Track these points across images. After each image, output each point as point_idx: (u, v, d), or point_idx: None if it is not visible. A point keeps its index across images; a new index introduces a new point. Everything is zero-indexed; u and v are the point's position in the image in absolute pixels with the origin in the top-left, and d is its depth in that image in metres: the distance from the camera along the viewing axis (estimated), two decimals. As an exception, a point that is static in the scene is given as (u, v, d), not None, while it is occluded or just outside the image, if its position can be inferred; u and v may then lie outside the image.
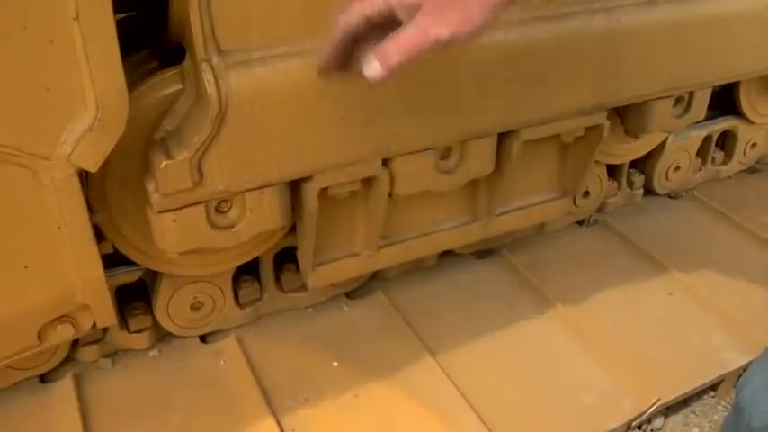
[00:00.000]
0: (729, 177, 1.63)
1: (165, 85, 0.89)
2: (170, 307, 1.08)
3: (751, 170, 1.66)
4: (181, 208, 0.89)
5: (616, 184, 1.46)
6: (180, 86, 0.89)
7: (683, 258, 1.35)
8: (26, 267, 0.85)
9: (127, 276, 1.04)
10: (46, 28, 0.73)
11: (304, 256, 1.06)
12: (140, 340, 1.10)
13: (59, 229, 0.84)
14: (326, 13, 0.81)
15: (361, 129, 0.94)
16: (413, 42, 0.69)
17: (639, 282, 1.30)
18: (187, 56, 0.88)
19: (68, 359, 1.07)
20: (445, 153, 1.05)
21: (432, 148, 1.02)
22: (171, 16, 0.85)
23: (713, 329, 1.21)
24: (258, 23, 0.85)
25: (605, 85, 1.12)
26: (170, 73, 0.89)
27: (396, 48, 0.69)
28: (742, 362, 1.15)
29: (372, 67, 0.71)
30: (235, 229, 0.95)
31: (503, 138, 1.09)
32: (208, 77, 0.83)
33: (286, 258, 1.16)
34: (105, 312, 0.94)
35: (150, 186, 0.88)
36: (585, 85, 1.10)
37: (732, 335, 1.19)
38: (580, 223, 1.45)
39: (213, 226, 0.93)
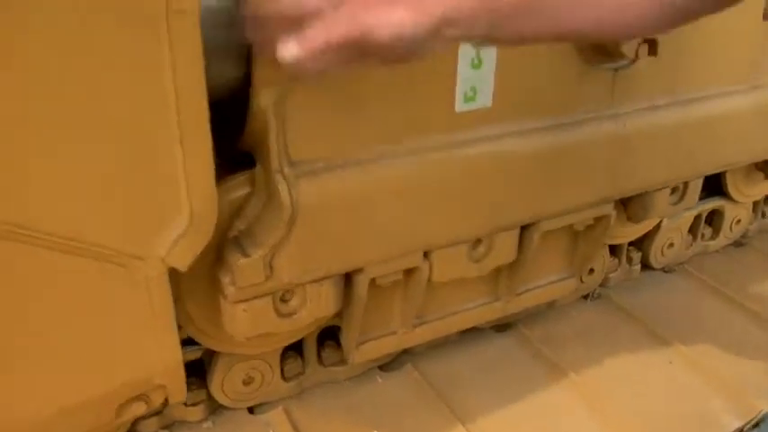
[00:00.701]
0: (717, 251, 1.77)
1: (237, 188, 1.01)
2: (225, 382, 1.19)
3: (736, 244, 1.81)
4: (251, 299, 1.01)
5: (617, 260, 1.59)
6: (249, 190, 1.01)
7: (680, 329, 1.48)
8: (114, 354, 0.95)
9: (191, 355, 1.14)
10: (152, 147, 0.85)
11: (349, 337, 1.17)
12: (195, 412, 1.20)
13: (147, 320, 0.95)
14: (376, 128, 0.96)
15: (409, 227, 1.07)
16: (341, 28, 0.70)
17: (642, 352, 1.43)
18: (258, 164, 1.00)
19: (130, 432, 1.16)
20: (475, 244, 1.18)
21: (465, 241, 1.15)
22: (246, 130, 0.98)
23: (711, 395, 1.33)
24: (322, 139, 0.97)
25: (613, 180, 1.27)
26: (241, 178, 1.01)
27: (322, 31, 0.70)
28: (738, 424, 1.27)
29: (289, 49, 0.72)
30: (296, 316, 1.06)
31: (524, 229, 1.22)
32: (282, 187, 0.95)
33: (326, 336, 1.27)
34: (178, 390, 1.04)
35: (225, 279, 0.99)
36: (596, 181, 1.24)
37: (728, 399, 1.31)
38: (585, 297, 1.57)
39: (278, 314, 1.04)
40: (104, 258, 0.89)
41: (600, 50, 1.16)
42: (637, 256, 1.62)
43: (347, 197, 1.00)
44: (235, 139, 1.01)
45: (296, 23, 0.75)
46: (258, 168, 1.00)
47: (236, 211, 1.01)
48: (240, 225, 1.01)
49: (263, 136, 0.95)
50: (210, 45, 0.83)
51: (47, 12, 0.72)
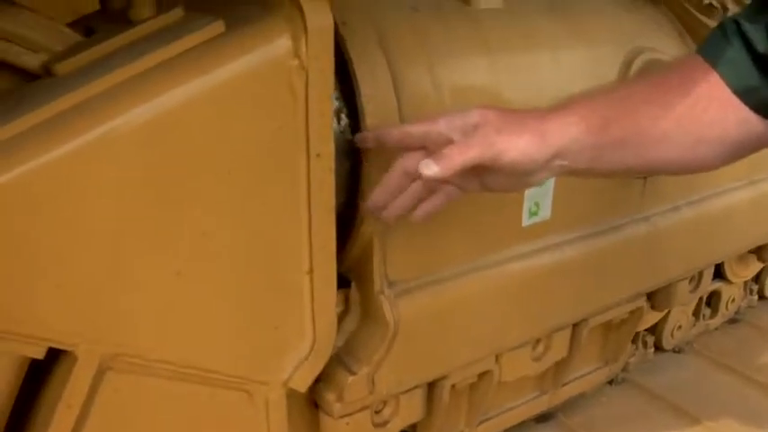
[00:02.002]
0: (716, 329, 1.91)
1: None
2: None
3: (731, 320, 1.95)
4: (354, 413, 1.06)
5: (634, 345, 1.70)
6: (343, 308, 1.08)
7: (702, 405, 1.59)
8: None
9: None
10: (283, 278, 0.91)
11: (427, 438, 1.24)
12: None
13: (264, 439, 1.00)
14: (459, 248, 1.05)
15: (486, 333, 1.15)
16: (475, 149, 0.80)
17: (670, 429, 1.53)
18: (353, 283, 1.07)
19: None
20: (535, 344, 1.27)
21: (530, 342, 1.24)
22: (346, 254, 1.05)
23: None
24: (416, 260, 1.06)
25: (646, 275, 1.39)
26: (337, 297, 1.08)
27: (458, 150, 0.80)
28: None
29: (430, 167, 0.80)
30: (389, 425, 1.12)
31: (575, 326, 1.32)
32: (386, 307, 1.02)
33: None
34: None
35: (331, 396, 1.04)
36: (633, 277, 1.36)
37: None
38: (610, 382, 1.67)
39: (374, 424, 1.10)
40: (229, 385, 0.94)
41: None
42: (650, 339, 1.74)
43: (437, 311, 1.08)
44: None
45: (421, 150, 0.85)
46: (353, 287, 1.07)
47: (332, 328, 1.07)
48: (338, 342, 1.07)
49: (365, 260, 1.02)
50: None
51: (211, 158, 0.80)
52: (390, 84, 0.96)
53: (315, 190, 0.87)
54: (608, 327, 1.44)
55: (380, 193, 0.89)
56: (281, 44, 0.80)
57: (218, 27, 0.81)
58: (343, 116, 0.97)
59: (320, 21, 0.80)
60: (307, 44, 0.80)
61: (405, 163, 0.86)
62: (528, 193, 1.14)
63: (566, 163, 0.86)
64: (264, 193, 0.85)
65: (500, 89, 1.09)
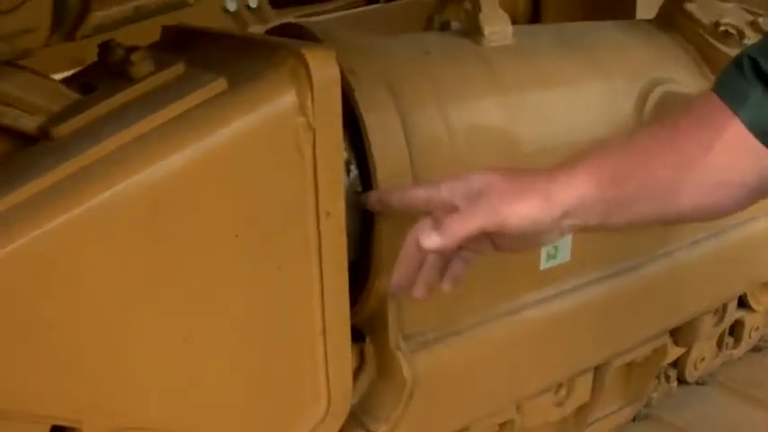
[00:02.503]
0: (740, 358, 1.85)
1: (347, 362, 1.03)
2: None
3: (755, 349, 1.89)
4: (375, 467, 1.02)
5: (656, 380, 1.65)
6: (358, 364, 1.04)
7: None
8: None
9: None
10: (295, 340, 0.87)
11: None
12: None
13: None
14: (477, 296, 1.01)
15: (506, 382, 1.11)
16: (478, 217, 0.77)
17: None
18: (367, 337, 1.03)
19: None
20: (557, 389, 1.23)
21: (551, 388, 1.20)
22: (360, 308, 1.01)
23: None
24: (432, 312, 1.02)
25: (669, 312, 1.34)
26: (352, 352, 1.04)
27: (461, 219, 0.77)
28: None
29: (431, 238, 0.77)
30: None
31: (597, 368, 1.28)
32: (403, 363, 0.98)
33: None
34: None
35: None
36: (656, 315, 1.31)
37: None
38: (633, 419, 1.62)
39: (394, 477, 1.06)
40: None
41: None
42: (673, 373, 1.69)
43: (456, 363, 1.04)
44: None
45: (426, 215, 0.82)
46: (368, 341, 1.03)
47: (346, 384, 1.03)
48: (353, 399, 1.03)
49: (379, 314, 0.99)
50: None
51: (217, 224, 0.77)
52: (401, 132, 0.92)
53: (326, 250, 0.83)
54: (631, 366, 1.39)
55: (400, 272, 0.85)
56: (285, 101, 0.77)
57: (220, 85, 0.78)
58: (352, 167, 0.93)
59: (326, 73, 0.77)
60: (313, 99, 0.77)
61: (415, 235, 0.82)
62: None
63: (577, 221, 0.82)
64: (274, 254, 0.82)
65: (514, 129, 1.05)
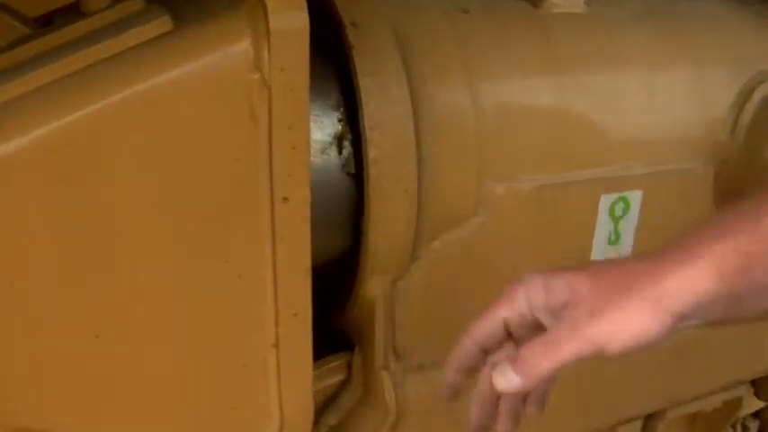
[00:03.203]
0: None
1: (331, 375, 0.87)
2: None
3: None
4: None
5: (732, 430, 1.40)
6: (344, 377, 0.87)
7: None
8: None
9: None
10: (241, 352, 0.71)
11: None
12: None
13: None
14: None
15: (529, 427, 0.91)
16: (567, 347, 0.58)
17: None
18: (357, 348, 0.86)
19: None
20: (595, 435, 1.02)
21: (586, 435, 0.99)
22: (347, 315, 0.84)
23: None
24: (437, 331, 0.83)
25: (751, 359, 1.10)
26: (336, 363, 0.87)
27: (544, 351, 0.58)
28: None
29: (507, 377, 0.59)
30: None
31: (647, 418, 1.05)
32: (387, 386, 0.81)
33: None
34: None
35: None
36: (733, 362, 1.08)
37: None
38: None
39: None
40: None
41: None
42: (753, 424, 1.43)
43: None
44: (331, 314, 0.87)
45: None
46: (356, 354, 0.86)
47: (328, 401, 0.87)
48: (331, 420, 0.87)
49: (367, 324, 0.81)
50: (315, 214, 0.71)
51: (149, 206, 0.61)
52: (408, 104, 0.73)
53: (282, 243, 0.66)
54: (694, 418, 1.15)
55: (476, 414, 0.66)
56: (236, 51, 0.60)
57: (162, 24, 0.62)
58: (346, 144, 0.75)
59: (289, 21, 0.59)
60: (270, 51, 0.59)
61: (488, 374, 0.62)
62: (597, 250, 0.89)
63: (694, 323, 0.61)
64: (216, 244, 0.65)
65: (565, 116, 0.85)
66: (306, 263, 0.68)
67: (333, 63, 0.75)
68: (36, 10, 0.76)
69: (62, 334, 0.64)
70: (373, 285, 0.78)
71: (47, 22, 0.75)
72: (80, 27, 0.67)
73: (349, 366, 0.87)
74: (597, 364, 0.91)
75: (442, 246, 0.80)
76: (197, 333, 0.68)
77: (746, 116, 0.95)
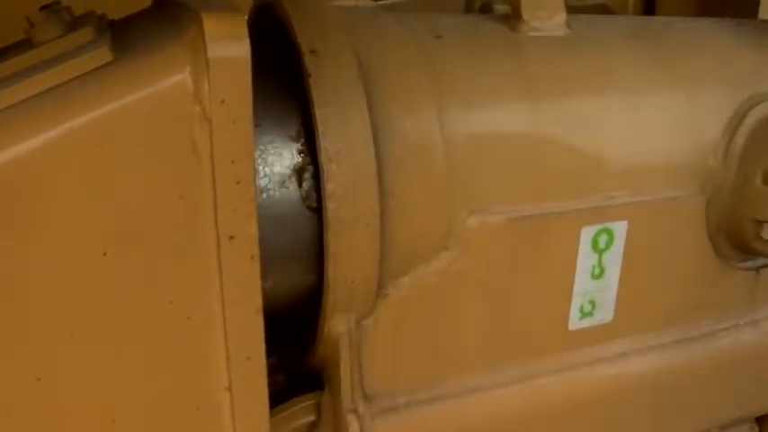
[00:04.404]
0: None
1: (300, 416, 0.83)
2: None
3: None
4: None
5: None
6: (314, 418, 0.83)
7: None
8: None
9: None
10: (194, 395, 0.68)
11: None
12: None
13: None
14: (473, 353, 0.77)
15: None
16: None
17: None
18: (326, 389, 0.82)
19: None
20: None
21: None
22: (313, 353, 0.80)
23: None
24: (407, 369, 0.80)
25: (752, 395, 1.04)
26: (305, 404, 0.83)
27: None
28: None
29: None
30: None
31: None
32: (354, 431, 0.76)
33: None
34: None
35: None
36: (733, 399, 1.02)
37: None
38: None
39: None
40: None
41: (741, 246, 0.96)
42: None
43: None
44: (300, 354, 0.84)
45: None
46: (326, 393, 0.82)
47: (296, 442, 0.83)
48: (303, 463, 0.83)
49: (333, 365, 0.77)
50: (275, 250, 0.68)
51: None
52: (369, 135, 0.70)
53: (230, 283, 0.63)
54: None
55: None
56: (174, 82, 0.57)
57: (102, 55, 0.59)
58: (307, 176, 0.72)
59: (228, 50, 0.56)
60: (209, 82, 0.56)
61: None
62: (579, 286, 0.85)
63: None
64: (161, 284, 0.62)
65: (541, 145, 0.81)
66: (256, 302, 0.64)
67: (294, 92, 0.72)
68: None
69: (2, 376, 0.61)
70: (337, 323, 0.74)
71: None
72: (29, 57, 0.65)
73: (318, 407, 0.83)
74: (586, 405, 0.87)
75: (411, 282, 0.76)
76: (146, 375, 0.65)
77: (739, 141, 0.90)
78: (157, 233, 0.61)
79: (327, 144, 0.68)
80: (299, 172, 0.72)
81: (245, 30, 0.57)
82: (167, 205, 0.60)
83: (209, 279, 0.63)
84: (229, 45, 0.56)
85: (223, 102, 0.57)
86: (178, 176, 0.60)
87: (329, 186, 0.69)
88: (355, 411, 0.77)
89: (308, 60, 0.69)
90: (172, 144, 0.59)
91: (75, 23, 0.67)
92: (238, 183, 0.60)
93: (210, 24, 0.56)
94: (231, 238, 0.61)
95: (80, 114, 0.57)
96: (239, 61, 0.56)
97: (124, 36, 0.65)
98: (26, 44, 0.68)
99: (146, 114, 0.58)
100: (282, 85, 0.74)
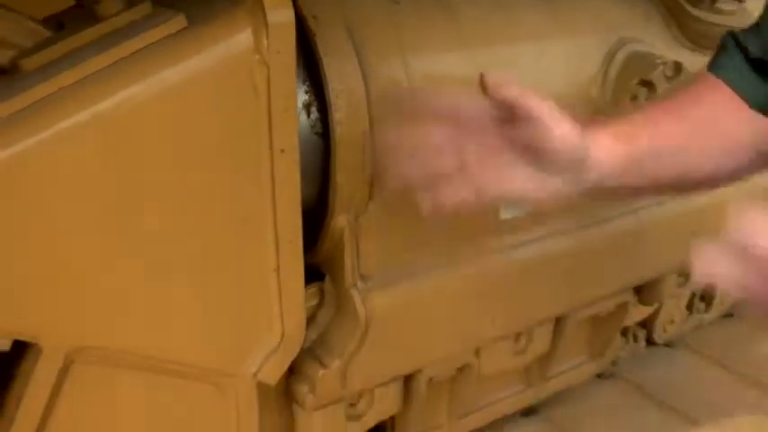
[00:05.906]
0: (710, 323, 1.89)
1: (307, 300, 1.07)
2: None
3: (726, 315, 1.93)
4: (327, 405, 1.07)
5: (624, 339, 1.69)
6: (317, 301, 1.08)
7: (693, 402, 1.57)
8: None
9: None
10: (251, 275, 0.91)
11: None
12: None
13: (235, 432, 1.00)
14: (435, 241, 1.04)
15: (465, 326, 1.15)
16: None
17: (656, 424, 1.52)
18: (327, 276, 1.07)
19: None
20: (517, 337, 1.27)
21: (510, 336, 1.24)
22: (318, 248, 1.05)
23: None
24: (391, 253, 1.06)
25: (632, 268, 1.37)
26: (311, 290, 1.08)
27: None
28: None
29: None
30: (364, 418, 1.12)
31: (558, 320, 1.31)
32: (357, 301, 1.02)
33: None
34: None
35: (303, 389, 1.05)
36: (620, 271, 1.35)
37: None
38: (598, 376, 1.66)
39: (348, 417, 1.10)
40: (197, 377, 0.94)
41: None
42: (641, 333, 1.72)
43: (413, 304, 1.08)
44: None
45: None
46: (327, 280, 1.07)
47: (307, 321, 1.07)
48: (312, 334, 1.07)
49: (336, 254, 1.02)
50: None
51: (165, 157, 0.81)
52: (360, 76, 0.95)
53: (279, 186, 0.87)
54: (594, 321, 1.43)
55: None
56: (241, 39, 0.80)
57: (179, 22, 0.81)
58: (313, 109, 0.96)
59: (281, 16, 0.80)
60: (268, 39, 0.80)
61: None
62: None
63: (596, 175, 0.84)
64: (227, 190, 0.85)
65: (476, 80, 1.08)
66: (297, 199, 0.89)
67: (298, 48, 0.96)
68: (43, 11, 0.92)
69: (116, 265, 0.82)
70: (341, 220, 0.99)
71: (58, 24, 0.92)
72: (95, 30, 0.85)
73: (322, 292, 1.08)
74: (517, 276, 1.16)
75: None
76: (218, 264, 0.88)
77: (612, 73, 1.21)
78: (227, 152, 0.83)
79: (333, 84, 0.93)
80: (307, 107, 0.96)
81: (290, 3, 0.81)
82: (234, 131, 0.83)
83: (263, 184, 0.86)
84: (282, 11, 0.80)
85: (278, 52, 0.81)
86: (242, 108, 0.83)
87: (337, 116, 0.93)
88: (356, 287, 1.03)
89: (312, 24, 0.94)
90: (237, 84, 0.82)
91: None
92: (286, 110, 0.84)
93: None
94: (282, 151, 0.85)
95: (170, 65, 0.79)
96: (289, 23, 0.80)
97: (180, 7, 0.86)
98: (88, 17, 0.87)
99: (219, 64, 0.80)
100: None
